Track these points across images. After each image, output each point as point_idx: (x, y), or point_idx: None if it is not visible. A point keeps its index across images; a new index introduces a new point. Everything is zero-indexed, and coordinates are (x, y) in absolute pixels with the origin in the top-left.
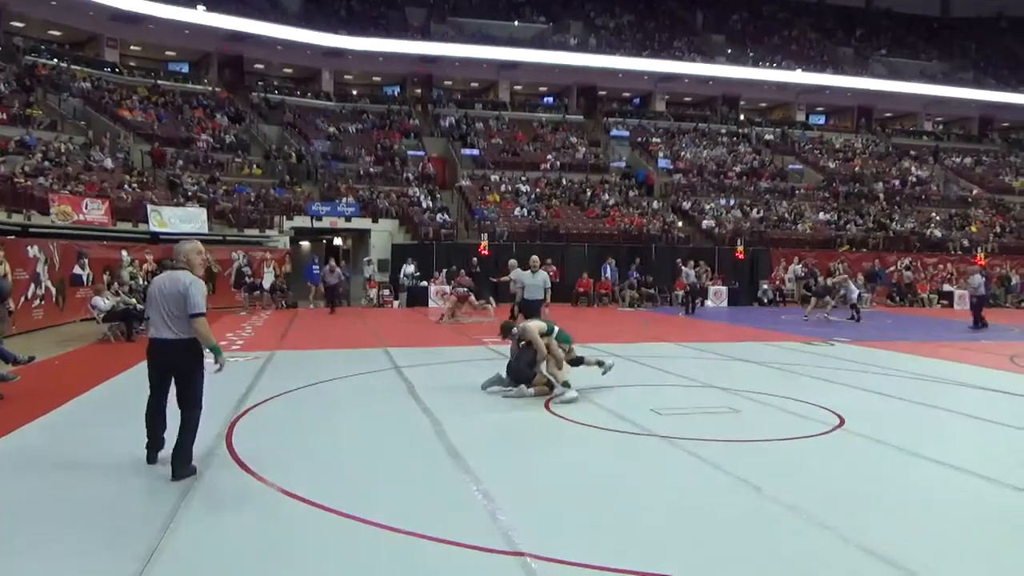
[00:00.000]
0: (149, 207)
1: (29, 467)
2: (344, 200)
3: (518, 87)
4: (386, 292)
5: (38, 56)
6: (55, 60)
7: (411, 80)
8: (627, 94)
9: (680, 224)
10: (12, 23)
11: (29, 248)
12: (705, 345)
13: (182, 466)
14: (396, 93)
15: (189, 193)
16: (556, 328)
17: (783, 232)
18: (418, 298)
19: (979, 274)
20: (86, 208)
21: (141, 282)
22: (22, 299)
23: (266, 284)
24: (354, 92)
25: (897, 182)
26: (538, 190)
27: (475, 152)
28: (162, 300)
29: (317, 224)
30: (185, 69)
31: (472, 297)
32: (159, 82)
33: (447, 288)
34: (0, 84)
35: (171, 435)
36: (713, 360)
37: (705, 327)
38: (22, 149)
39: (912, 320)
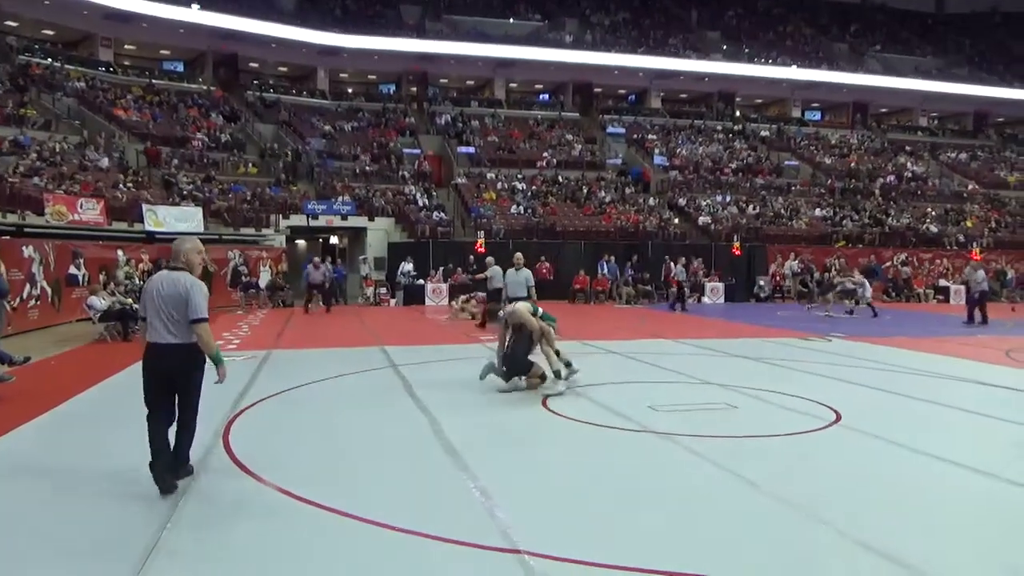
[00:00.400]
0: (144, 206)
1: (25, 466)
2: (340, 199)
3: (514, 85)
4: (382, 290)
5: (32, 56)
6: (49, 60)
7: (407, 78)
8: (623, 91)
9: (676, 221)
10: (5, 23)
11: (24, 248)
12: (702, 341)
13: (179, 467)
14: (392, 91)
15: (184, 192)
16: (540, 310)
17: (779, 228)
18: (415, 296)
19: (981, 269)
20: (81, 208)
21: (137, 282)
22: (18, 299)
23: (262, 283)
24: (350, 90)
25: (893, 178)
26: (534, 188)
27: (471, 150)
28: (161, 303)
29: (313, 223)
30: (180, 68)
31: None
32: (154, 81)
33: (471, 295)
34: None
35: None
36: (710, 356)
37: (702, 323)
38: (16, 149)
39: (908, 315)
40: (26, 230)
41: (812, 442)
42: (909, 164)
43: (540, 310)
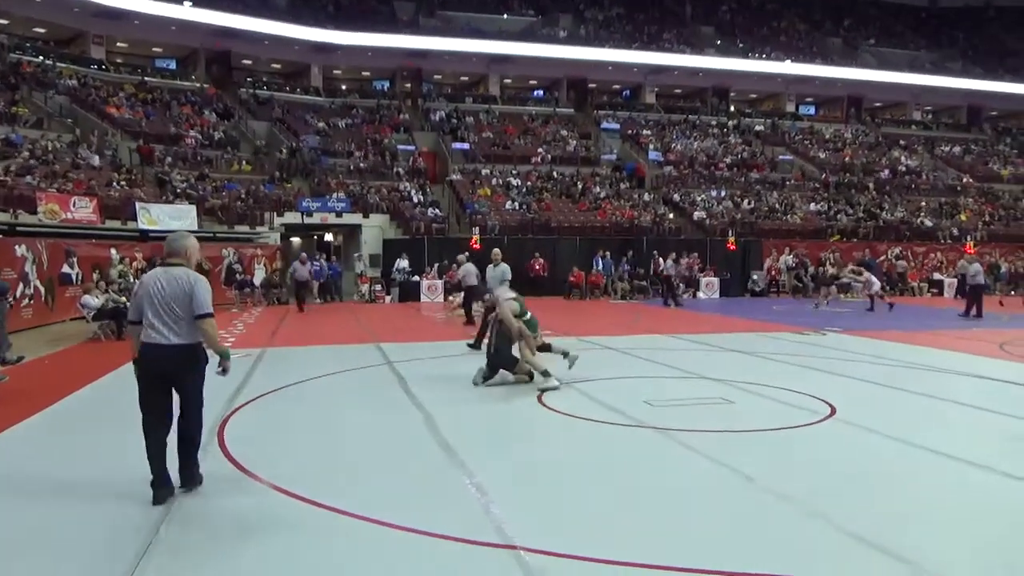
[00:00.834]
0: (138, 205)
1: (19, 466)
2: (335, 196)
3: (508, 80)
4: (378, 287)
5: (23, 53)
6: (40, 57)
7: (401, 74)
8: (617, 86)
9: (671, 216)
10: None
11: (17, 247)
12: (697, 336)
13: (192, 479)
14: (386, 88)
15: (178, 190)
16: (528, 313)
17: (774, 223)
18: (410, 293)
19: (977, 262)
20: (74, 206)
21: (132, 280)
22: (11, 299)
23: (257, 281)
24: (343, 87)
25: (887, 171)
26: (529, 183)
27: (465, 146)
28: (161, 301)
29: (308, 220)
30: (172, 66)
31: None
32: (146, 79)
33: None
34: None
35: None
36: (705, 351)
37: (697, 318)
38: (8, 148)
39: (903, 309)
40: (19, 229)
41: (807, 436)
42: (903, 158)
43: (528, 313)
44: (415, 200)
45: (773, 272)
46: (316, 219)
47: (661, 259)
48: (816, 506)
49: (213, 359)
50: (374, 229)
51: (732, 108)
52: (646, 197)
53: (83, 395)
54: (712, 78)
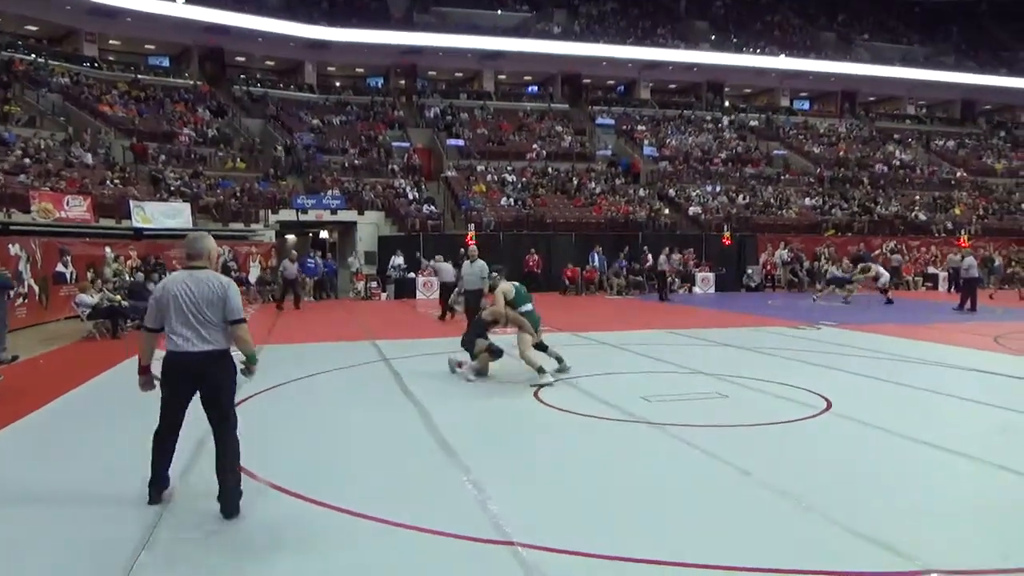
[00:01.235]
0: (132, 203)
1: (14, 467)
2: (329, 193)
3: (502, 76)
4: (373, 284)
5: (15, 51)
6: (32, 55)
7: (395, 71)
8: (611, 82)
9: (666, 211)
10: None
11: (10, 246)
12: (693, 331)
13: (237, 508)
14: (380, 84)
15: (172, 188)
16: (530, 306)
17: (769, 218)
18: (406, 290)
19: (971, 256)
20: (67, 205)
21: (127, 278)
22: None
23: (252, 279)
24: (337, 84)
25: (881, 166)
26: (524, 179)
27: (460, 142)
28: (191, 305)
29: (303, 217)
30: (165, 63)
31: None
32: (139, 76)
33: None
34: None
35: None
36: (701, 346)
37: (692, 313)
38: (1, 146)
39: (898, 302)
40: (12, 228)
41: (803, 430)
42: (897, 152)
43: (530, 306)
44: (410, 197)
45: (770, 267)
46: (311, 216)
47: (650, 255)
48: (812, 500)
49: None
50: (369, 226)
51: (726, 103)
52: (641, 192)
53: (79, 394)
54: (706, 73)
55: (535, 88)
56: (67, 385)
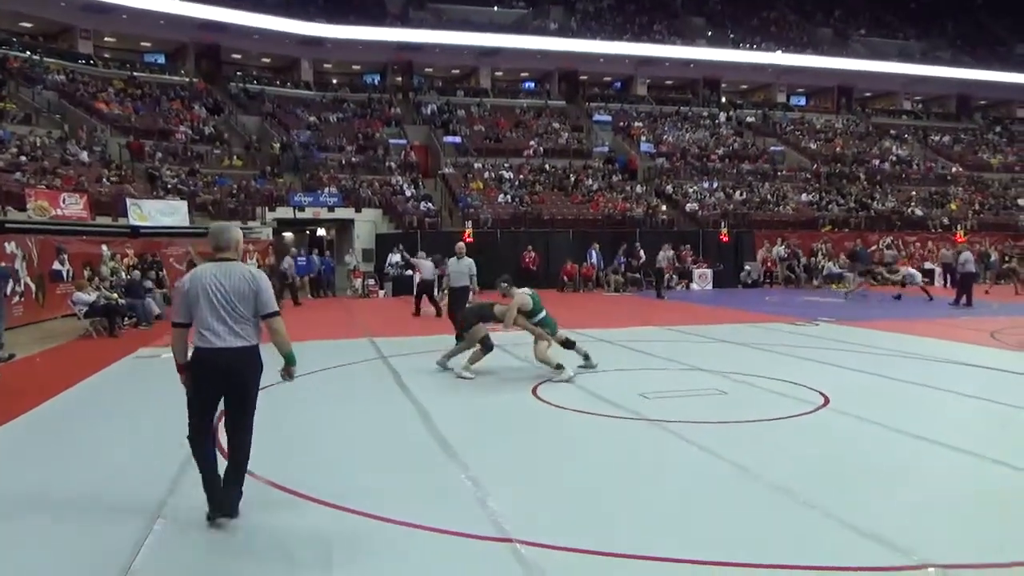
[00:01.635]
0: (129, 201)
1: (11, 467)
2: (326, 190)
3: (499, 73)
4: (371, 282)
5: (10, 49)
6: (27, 52)
7: (391, 68)
8: (608, 78)
9: (664, 208)
10: None
11: (7, 244)
12: (691, 328)
13: (235, 508)
14: (376, 81)
15: (169, 186)
16: (544, 311)
17: (766, 214)
18: (404, 287)
19: (968, 251)
20: (64, 203)
21: (123, 276)
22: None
23: None
24: (334, 81)
25: (878, 162)
26: (521, 176)
27: (457, 139)
28: (222, 299)
29: (300, 215)
30: (161, 60)
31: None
32: (135, 74)
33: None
34: None
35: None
36: (699, 342)
37: (690, 309)
38: None
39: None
40: (8, 226)
41: (801, 426)
42: (894, 148)
43: (544, 312)
44: (407, 194)
45: (769, 264)
46: (308, 214)
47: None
48: (810, 495)
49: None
50: (367, 224)
51: (723, 99)
52: (638, 189)
53: (76, 393)
54: (703, 69)
55: (532, 85)
56: (64, 384)
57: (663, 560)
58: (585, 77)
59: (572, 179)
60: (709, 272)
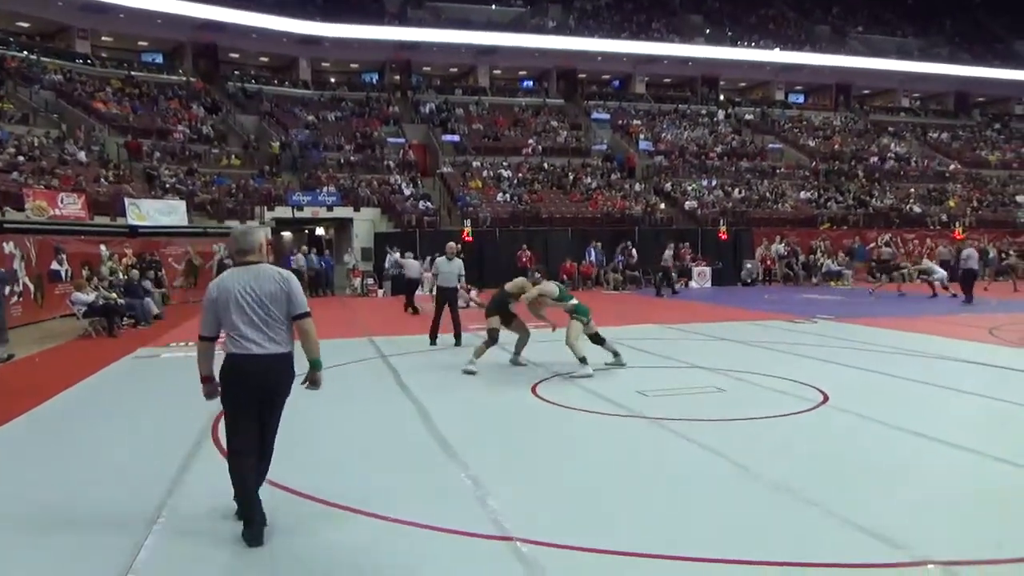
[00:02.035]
0: (127, 200)
1: (10, 467)
2: (325, 189)
3: (497, 71)
4: (370, 281)
5: (7, 48)
6: (25, 52)
7: (389, 66)
8: (607, 77)
9: (662, 206)
10: None
11: (5, 244)
12: (689, 326)
13: (263, 517)
14: (374, 80)
15: (167, 185)
16: (575, 299)
17: (765, 211)
18: (403, 286)
19: (971, 248)
20: (62, 202)
21: (121, 276)
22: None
23: None
24: (332, 80)
25: (876, 159)
26: (520, 175)
27: (456, 138)
28: (254, 303)
29: (298, 214)
30: (159, 59)
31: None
32: (133, 73)
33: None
34: None
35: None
36: (698, 340)
37: (689, 307)
38: None
39: (893, 295)
40: (6, 226)
41: (800, 423)
42: (892, 145)
43: (574, 299)
44: (406, 193)
45: (768, 262)
46: (307, 213)
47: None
48: (811, 493)
49: None
50: (365, 223)
51: (721, 97)
52: (637, 187)
53: (75, 393)
54: (701, 67)
55: (530, 83)
56: (63, 384)
57: (663, 558)
58: (583, 75)
59: (571, 177)
60: (708, 270)
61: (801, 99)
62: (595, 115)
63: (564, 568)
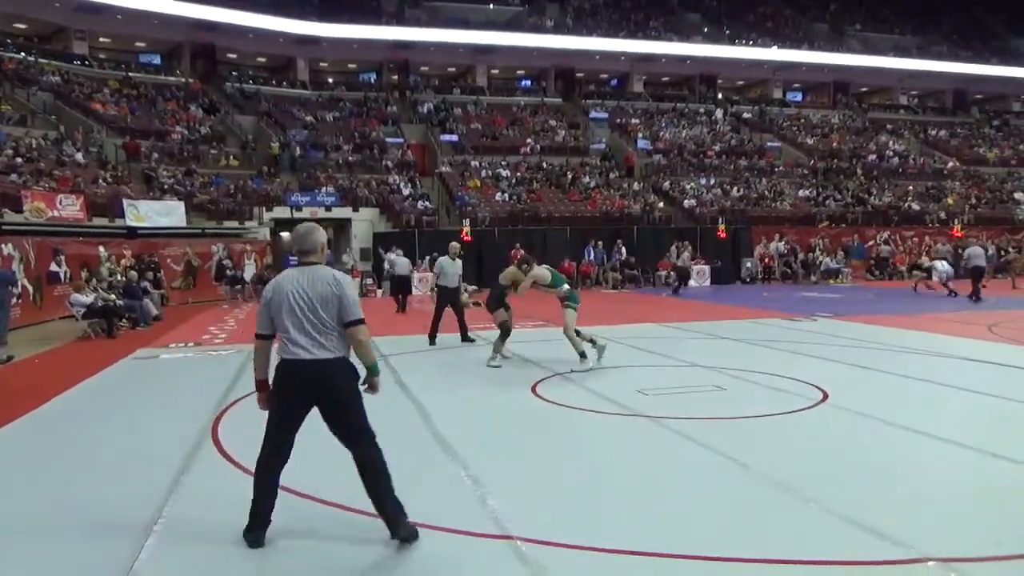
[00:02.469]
0: (125, 201)
1: (9, 467)
2: (323, 190)
3: (495, 71)
4: (369, 281)
5: (4, 50)
6: (22, 54)
7: (387, 66)
8: (605, 75)
9: (661, 205)
10: None
11: (3, 246)
12: (688, 324)
13: (406, 526)
14: (372, 80)
15: (165, 186)
16: (566, 285)
17: (763, 210)
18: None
19: (977, 246)
20: (60, 204)
21: (120, 277)
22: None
23: (247, 276)
24: (330, 80)
25: (875, 157)
26: (519, 174)
27: (454, 138)
28: (305, 307)
29: (297, 214)
30: (156, 60)
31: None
32: (130, 74)
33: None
34: None
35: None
36: (697, 339)
37: (688, 306)
38: None
39: (892, 293)
40: (5, 228)
41: (800, 421)
42: (890, 143)
43: (566, 285)
44: (405, 193)
45: (767, 260)
46: (305, 213)
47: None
48: (811, 491)
49: None
50: (364, 223)
51: (720, 95)
52: (636, 186)
53: (75, 395)
54: (699, 65)
55: (528, 82)
56: (62, 385)
57: (663, 556)
58: (581, 74)
59: (569, 176)
60: (707, 269)
61: (799, 97)
62: (593, 114)
63: (564, 567)
